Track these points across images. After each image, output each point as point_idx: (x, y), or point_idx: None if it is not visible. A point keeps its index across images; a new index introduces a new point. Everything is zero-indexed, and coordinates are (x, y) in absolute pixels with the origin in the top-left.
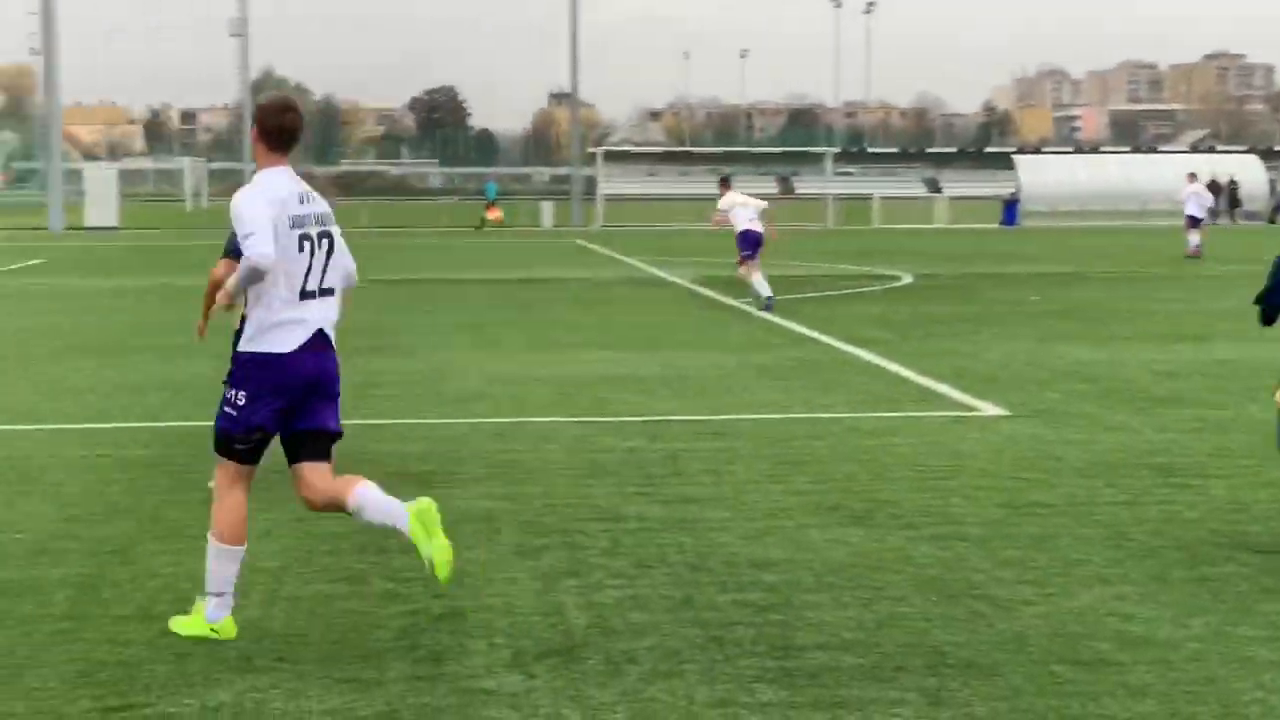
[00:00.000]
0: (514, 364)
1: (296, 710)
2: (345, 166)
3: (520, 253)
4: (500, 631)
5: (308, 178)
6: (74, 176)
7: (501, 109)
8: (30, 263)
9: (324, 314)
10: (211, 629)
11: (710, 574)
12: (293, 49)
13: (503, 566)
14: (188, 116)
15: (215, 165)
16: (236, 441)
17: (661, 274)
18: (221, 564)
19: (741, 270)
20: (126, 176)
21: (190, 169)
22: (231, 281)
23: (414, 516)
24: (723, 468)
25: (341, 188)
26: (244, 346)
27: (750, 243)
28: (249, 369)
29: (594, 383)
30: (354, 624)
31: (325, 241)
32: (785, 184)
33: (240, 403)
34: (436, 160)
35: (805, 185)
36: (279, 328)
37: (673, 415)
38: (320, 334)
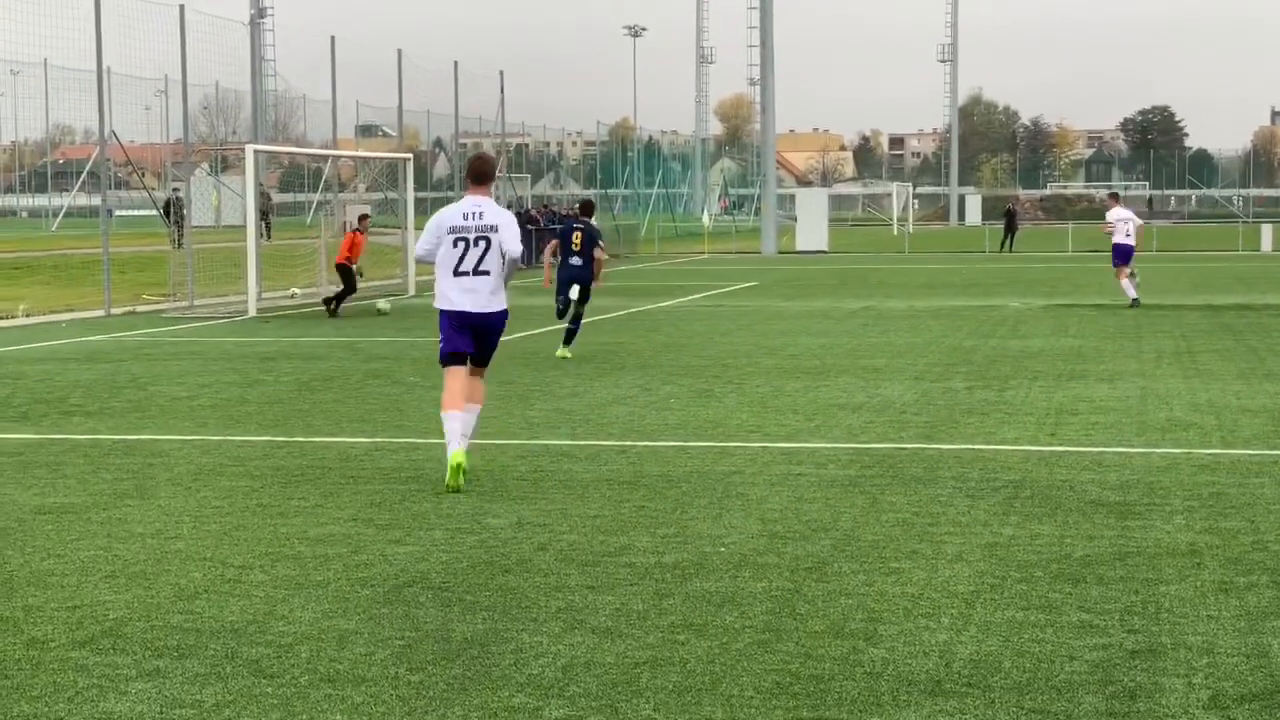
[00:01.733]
0: (1224, 393)
1: None
2: (1051, 190)
3: (1235, 277)
4: (1199, 671)
5: (1012, 200)
6: (786, 201)
7: (1220, 127)
8: (744, 285)
9: (473, 285)
10: (454, 459)
11: None
12: (1003, 71)
13: (1204, 604)
14: (896, 142)
15: (922, 190)
16: (441, 360)
17: None
18: (448, 424)
19: (1117, 275)
20: (836, 201)
21: (897, 193)
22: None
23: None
24: None
25: (1047, 210)
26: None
27: (1121, 254)
28: (439, 316)
29: None
30: (1046, 654)
31: (482, 242)
32: None
33: (441, 340)
34: (1146, 183)
35: None
36: (441, 292)
37: None
38: (470, 298)
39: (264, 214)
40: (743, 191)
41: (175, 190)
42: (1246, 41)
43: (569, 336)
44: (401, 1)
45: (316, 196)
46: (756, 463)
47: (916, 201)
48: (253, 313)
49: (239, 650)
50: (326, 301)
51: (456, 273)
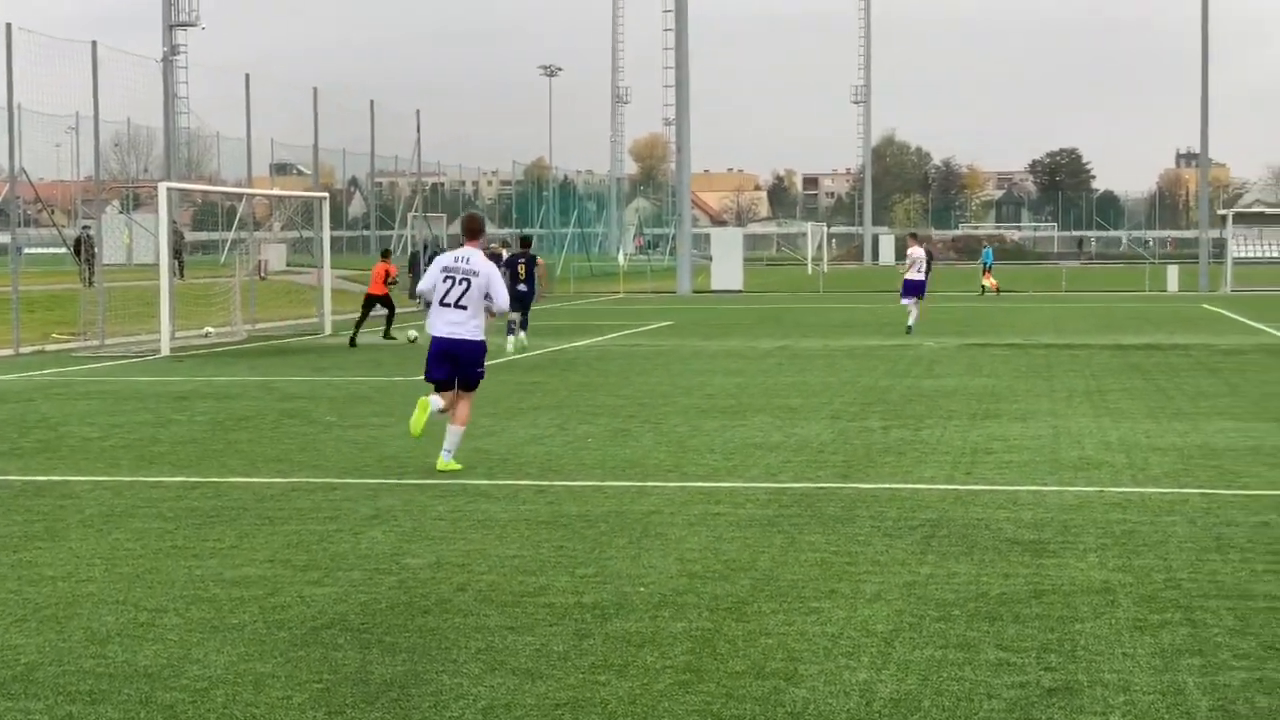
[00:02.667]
0: (1134, 431)
1: None
2: (963, 230)
3: (1143, 318)
4: (1116, 709)
5: (926, 239)
6: (701, 241)
7: (1126, 170)
8: (660, 324)
9: (455, 316)
10: (421, 407)
11: None
12: (914, 113)
13: (1119, 641)
14: (810, 182)
15: (836, 229)
16: (428, 380)
17: None
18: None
19: (914, 305)
20: (751, 241)
21: (811, 233)
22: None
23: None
24: None
25: (959, 250)
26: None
27: (910, 288)
28: (431, 341)
29: (1219, 453)
30: (965, 692)
31: (464, 282)
32: None
33: (428, 362)
34: (1054, 224)
35: None
36: (433, 320)
37: None
38: (449, 327)
39: (177, 252)
40: (658, 231)
41: (86, 228)
42: (1152, 86)
43: (524, 325)
44: (317, 40)
45: (230, 235)
46: (674, 502)
47: (833, 241)
48: (166, 352)
49: (153, 695)
50: (385, 335)
51: (442, 303)
